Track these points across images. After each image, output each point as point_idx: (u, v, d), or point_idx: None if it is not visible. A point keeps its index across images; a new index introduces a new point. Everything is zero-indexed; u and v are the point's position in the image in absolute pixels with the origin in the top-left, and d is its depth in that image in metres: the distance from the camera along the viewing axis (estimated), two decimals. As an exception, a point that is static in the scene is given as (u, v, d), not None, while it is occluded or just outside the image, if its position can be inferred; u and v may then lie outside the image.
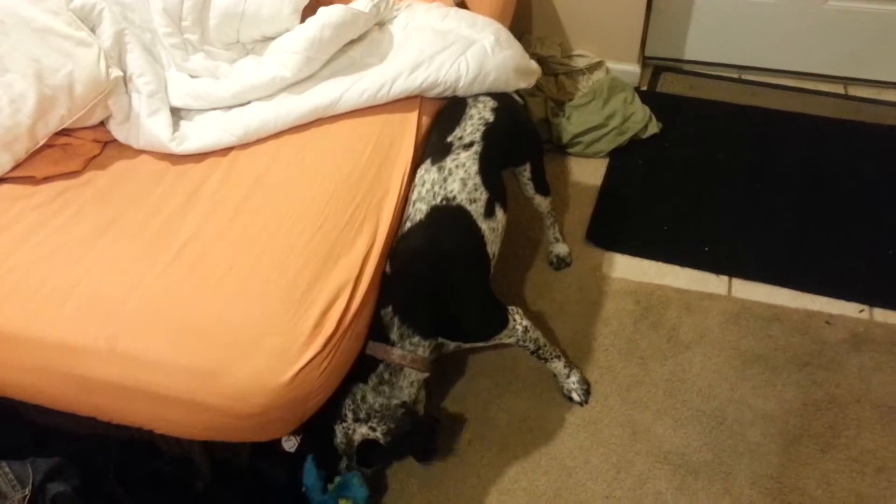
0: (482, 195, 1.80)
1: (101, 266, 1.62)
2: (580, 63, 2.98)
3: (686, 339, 2.17)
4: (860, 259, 2.27)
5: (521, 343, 1.91)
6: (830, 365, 2.06)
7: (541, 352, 1.97)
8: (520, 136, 2.02)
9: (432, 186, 1.77)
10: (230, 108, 1.92)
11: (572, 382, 2.05)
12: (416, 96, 1.94)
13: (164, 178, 1.83)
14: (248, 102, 1.92)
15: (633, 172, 2.68)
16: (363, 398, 1.66)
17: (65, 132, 1.87)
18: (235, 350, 1.49)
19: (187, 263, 1.61)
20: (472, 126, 1.86)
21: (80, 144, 1.87)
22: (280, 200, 1.72)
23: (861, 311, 2.18)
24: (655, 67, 3.11)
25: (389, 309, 1.65)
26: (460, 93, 1.94)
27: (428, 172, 1.80)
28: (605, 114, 2.75)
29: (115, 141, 1.95)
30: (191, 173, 1.84)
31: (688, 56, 3.06)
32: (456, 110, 1.92)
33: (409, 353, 1.63)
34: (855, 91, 2.87)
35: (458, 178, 1.77)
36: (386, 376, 1.65)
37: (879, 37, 2.71)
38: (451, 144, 1.83)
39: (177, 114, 1.95)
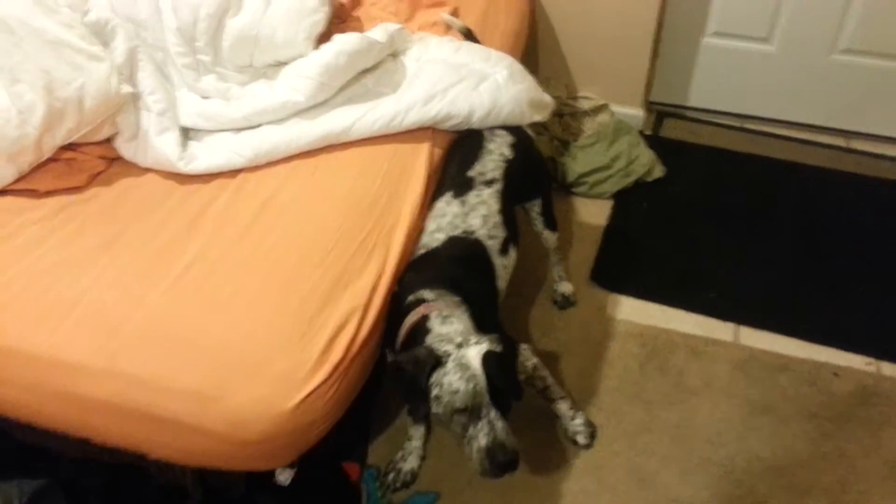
0: (501, 233, 1.85)
1: (104, 282, 1.61)
2: (585, 105, 3.05)
3: (693, 386, 2.17)
4: (865, 311, 2.32)
5: (530, 381, 1.89)
6: (839, 418, 2.06)
7: (548, 391, 1.96)
8: (534, 171, 2.07)
9: (453, 219, 1.80)
10: (240, 130, 1.92)
11: (577, 425, 2.03)
12: (428, 128, 1.97)
13: (171, 197, 1.83)
14: (259, 125, 1.91)
15: (638, 214, 2.72)
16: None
17: (70, 147, 1.87)
18: (239, 374, 1.47)
19: (193, 282, 1.60)
20: (493, 163, 1.90)
21: (85, 160, 1.87)
22: (290, 223, 1.73)
23: (868, 363, 2.20)
24: (659, 113, 3.19)
25: None
26: (474, 125, 1.98)
27: (449, 205, 1.83)
28: (610, 155, 2.80)
29: (120, 158, 1.96)
30: (198, 193, 1.84)
31: (691, 103, 3.14)
32: (473, 143, 1.96)
33: None
34: (856, 144, 2.96)
35: (479, 214, 1.81)
36: None
37: (883, 91, 2.82)
38: (472, 179, 1.87)
39: (185, 133, 1.96)
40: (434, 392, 1.49)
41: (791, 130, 3.03)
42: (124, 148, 1.91)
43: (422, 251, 1.80)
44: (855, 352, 2.22)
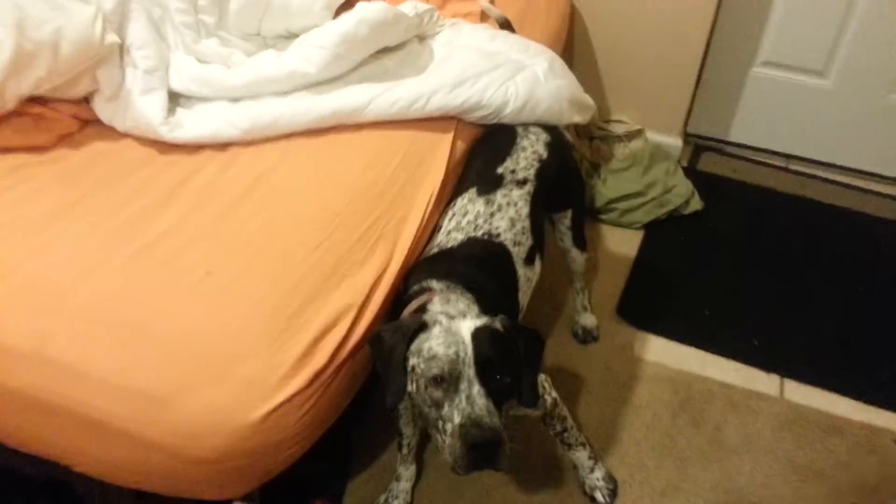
0: (527, 241, 1.60)
1: (52, 250, 1.34)
2: (618, 129, 2.80)
3: (732, 443, 1.86)
4: None
5: (547, 419, 1.59)
6: None
7: (566, 434, 1.65)
8: (569, 178, 1.80)
9: (475, 219, 1.54)
10: (238, 100, 1.65)
11: (597, 479, 1.72)
12: (452, 118, 1.70)
13: (148, 166, 1.57)
14: (260, 97, 1.64)
15: (672, 248, 2.44)
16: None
17: (40, 101, 1.62)
18: (196, 373, 1.18)
19: (157, 260, 1.32)
20: (526, 161, 1.63)
21: (55, 118, 1.62)
22: (282, 204, 1.46)
23: None
24: (696, 146, 2.92)
25: None
26: (506, 120, 1.72)
27: (472, 203, 1.56)
28: (644, 182, 2.54)
29: (96, 122, 1.67)
30: (180, 164, 1.58)
31: (733, 137, 2.90)
32: (504, 138, 1.70)
33: None
34: (913, 195, 2.66)
35: (507, 216, 1.54)
36: None
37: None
38: (501, 177, 1.61)
39: (175, 100, 1.71)
40: (411, 362, 1.23)
41: (842, 175, 2.77)
42: (102, 109, 1.65)
43: (435, 251, 1.52)
44: None
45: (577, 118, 1.82)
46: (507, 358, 1.23)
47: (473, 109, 1.70)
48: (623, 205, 2.54)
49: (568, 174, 1.82)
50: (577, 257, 1.97)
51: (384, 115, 1.65)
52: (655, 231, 2.52)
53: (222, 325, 1.24)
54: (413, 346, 1.23)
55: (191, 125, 1.61)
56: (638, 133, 2.80)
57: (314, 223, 1.42)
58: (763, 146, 2.88)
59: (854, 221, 2.58)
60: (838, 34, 2.52)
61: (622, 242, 2.49)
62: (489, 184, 1.62)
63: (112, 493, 1.29)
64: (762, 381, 2.05)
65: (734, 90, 2.78)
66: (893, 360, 2.07)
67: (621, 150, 2.77)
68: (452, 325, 1.23)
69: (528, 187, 1.63)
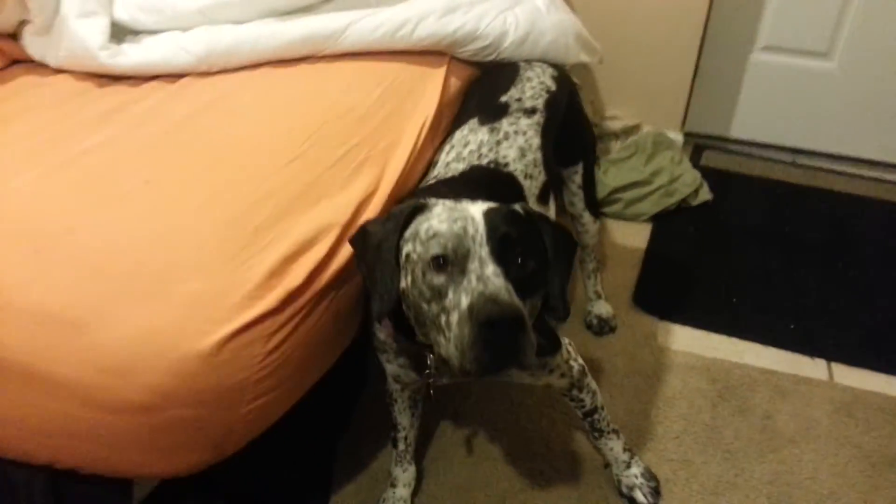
0: (540, 175, 1.37)
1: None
2: (614, 125, 2.61)
3: (787, 432, 1.59)
4: None
5: (575, 391, 1.31)
6: None
7: (597, 417, 1.37)
8: (578, 122, 1.59)
9: (478, 147, 1.31)
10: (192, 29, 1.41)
11: (635, 476, 1.43)
12: (444, 54, 1.47)
13: (84, 95, 1.31)
14: (219, 24, 1.41)
15: (684, 239, 2.22)
16: None
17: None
18: (124, 291, 0.90)
19: (85, 170, 1.07)
20: (533, 90, 1.43)
21: (-28, 50, 1.35)
22: (243, 122, 1.23)
23: None
24: (696, 145, 2.74)
25: None
26: (506, 54, 1.52)
27: (474, 133, 1.34)
28: (649, 170, 2.34)
29: (28, 61, 1.41)
30: (122, 93, 1.30)
31: (734, 134, 2.74)
32: (506, 71, 1.52)
33: None
34: (932, 183, 2.49)
35: (516, 145, 1.31)
36: None
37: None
38: (506, 105, 1.41)
39: (119, 37, 1.44)
40: (405, 250, 0.97)
41: (853, 167, 2.59)
42: (32, 43, 1.41)
43: (432, 182, 1.26)
44: None
45: (585, 56, 1.62)
46: (529, 242, 0.96)
47: (468, 40, 1.48)
48: (628, 195, 2.32)
49: (578, 118, 1.61)
50: (590, 225, 1.73)
51: (365, 43, 1.43)
52: (664, 223, 2.31)
53: (162, 235, 0.96)
54: (408, 233, 0.97)
55: (136, 52, 1.36)
56: (635, 129, 2.63)
57: (281, 141, 1.18)
58: (767, 141, 2.72)
59: (876, 208, 2.40)
60: (842, 10, 2.41)
61: (630, 235, 2.27)
62: (493, 112, 1.39)
63: (16, 479, 0.95)
64: (807, 366, 1.80)
65: (734, 80, 2.63)
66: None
67: (617, 148, 2.57)
68: (459, 205, 0.97)
69: (538, 117, 1.40)
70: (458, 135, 1.38)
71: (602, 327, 1.87)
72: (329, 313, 1.03)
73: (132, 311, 0.88)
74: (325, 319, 1.02)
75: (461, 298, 0.92)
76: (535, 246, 1.00)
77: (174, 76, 1.37)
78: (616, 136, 2.61)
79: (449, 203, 0.99)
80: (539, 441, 1.59)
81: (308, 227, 1.03)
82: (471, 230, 0.94)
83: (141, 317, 0.88)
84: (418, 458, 1.51)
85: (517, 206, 1.03)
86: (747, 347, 1.86)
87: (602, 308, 1.89)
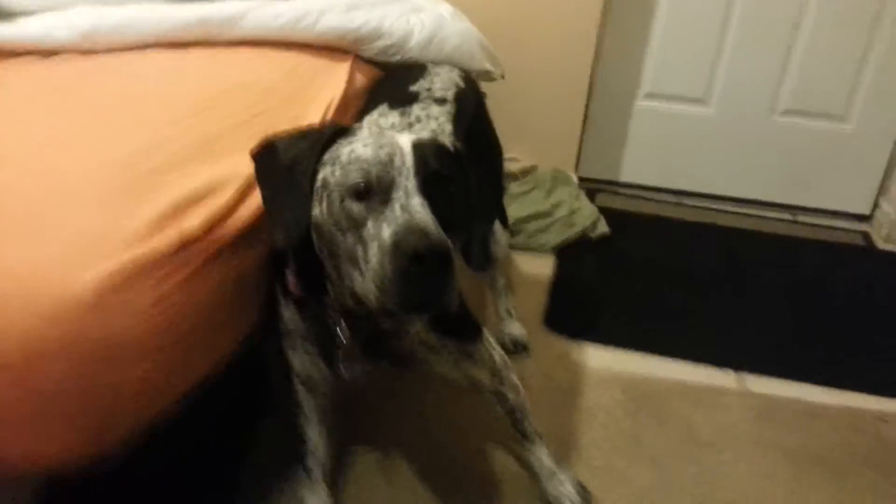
0: None
1: None
2: (513, 166, 2.66)
3: (708, 437, 1.58)
4: (879, 357, 1.93)
5: (498, 383, 1.23)
6: None
7: (519, 417, 1.32)
8: (486, 127, 1.58)
9: (390, 129, 1.21)
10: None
11: (560, 482, 1.34)
12: (348, 53, 1.44)
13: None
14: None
15: (588, 268, 2.27)
16: None
17: None
18: None
19: None
20: (442, 83, 1.42)
21: None
22: (133, 84, 1.10)
23: None
24: (588, 189, 2.83)
25: None
26: (412, 54, 1.52)
27: (384, 116, 1.30)
28: (549, 202, 2.38)
29: None
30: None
31: (624, 178, 2.87)
32: (414, 69, 1.49)
33: None
34: (804, 219, 2.67)
35: (428, 128, 1.30)
36: None
37: (826, 158, 2.67)
38: (417, 94, 1.40)
39: None
40: (322, 173, 0.89)
41: (734, 206, 2.75)
42: None
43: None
44: (892, 397, 1.77)
45: (489, 65, 1.64)
46: (458, 182, 0.90)
47: (373, 37, 1.47)
48: (531, 226, 2.34)
49: (485, 121, 1.61)
50: (500, 234, 1.70)
51: (265, 31, 1.38)
52: (567, 254, 2.35)
53: (38, 172, 0.82)
54: (326, 156, 0.88)
55: (12, 26, 1.23)
56: (532, 170, 2.68)
57: (179, 100, 1.07)
58: (655, 184, 2.85)
59: (759, 238, 2.56)
60: (715, 60, 2.61)
61: (535, 266, 2.28)
62: (403, 99, 1.36)
63: None
64: (719, 377, 1.83)
65: (621, 125, 2.77)
66: (843, 349, 1.97)
67: (516, 189, 2.61)
68: (386, 132, 0.89)
69: (449, 107, 1.38)
70: (367, 119, 1.33)
71: (516, 347, 1.82)
72: (229, 273, 0.91)
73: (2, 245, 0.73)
74: (225, 279, 0.90)
75: (382, 228, 0.84)
76: (462, 186, 0.94)
77: (51, 52, 1.24)
78: (515, 176, 2.65)
79: (375, 129, 0.92)
80: (461, 463, 1.49)
81: (209, 176, 0.93)
82: (398, 161, 0.87)
83: (7, 253, 0.73)
84: (333, 486, 1.35)
85: (447, 142, 0.97)
86: (658, 362, 1.86)
87: (515, 328, 1.85)
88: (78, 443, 0.78)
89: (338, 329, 1.00)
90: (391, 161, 0.87)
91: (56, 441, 0.76)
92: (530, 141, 2.69)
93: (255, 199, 0.97)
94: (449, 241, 0.84)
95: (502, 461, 1.48)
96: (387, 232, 0.82)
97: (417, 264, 0.80)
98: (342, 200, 0.86)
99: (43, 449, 0.77)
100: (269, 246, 1.01)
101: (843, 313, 2.11)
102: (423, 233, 0.81)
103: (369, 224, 0.85)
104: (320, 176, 0.90)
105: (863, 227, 2.68)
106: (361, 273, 0.85)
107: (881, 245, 2.56)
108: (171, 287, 0.81)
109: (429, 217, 0.84)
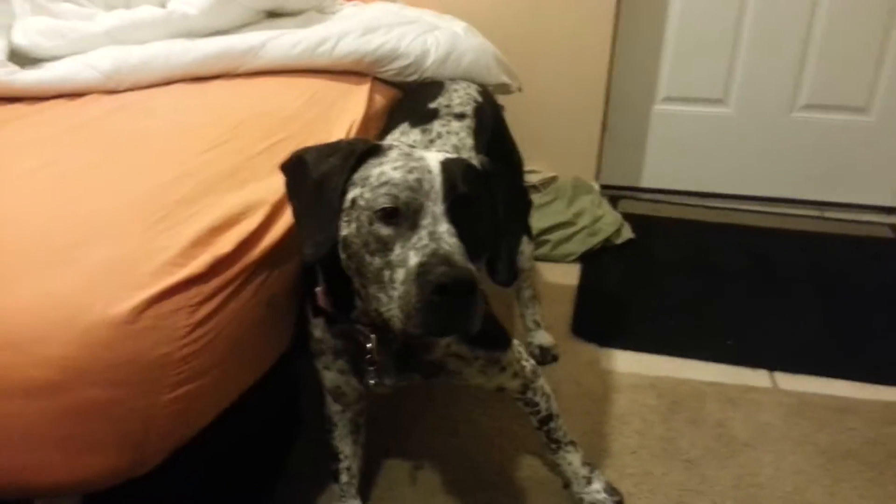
0: None
1: None
2: (533, 178, 2.68)
3: (742, 437, 1.57)
4: None
5: (529, 393, 1.26)
6: None
7: (553, 425, 1.32)
8: (506, 139, 1.62)
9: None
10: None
11: (597, 491, 1.36)
12: (366, 75, 1.48)
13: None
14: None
15: (613, 273, 2.28)
16: None
17: None
18: (26, 259, 0.81)
19: None
20: (461, 99, 1.45)
21: None
22: (155, 120, 1.15)
23: None
24: (611, 196, 2.83)
25: None
26: (429, 73, 1.55)
27: (405, 135, 1.34)
28: (571, 212, 2.41)
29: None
30: (20, 108, 1.21)
31: (645, 184, 2.86)
32: (432, 86, 1.53)
33: None
34: (831, 214, 2.64)
35: (450, 143, 1.32)
36: None
37: (849, 152, 2.61)
38: (436, 111, 1.43)
39: (19, 64, 1.36)
40: (352, 193, 0.91)
41: (759, 205, 2.73)
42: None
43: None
44: None
45: (506, 78, 1.66)
46: (484, 202, 0.92)
47: (391, 58, 1.50)
48: (554, 236, 2.35)
49: (504, 133, 1.63)
50: (524, 246, 1.71)
51: (284, 60, 1.42)
52: (592, 261, 2.35)
53: (68, 206, 0.87)
54: (357, 175, 0.90)
55: (36, 71, 1.28)
56: (553, 180, 2.69)
57: (200, 133, 1.12)
58: (677, 188, 2.84)
59: (787, 236, 2.54)
60: (731, 59, 2.62)
61: (561, 275, 2.28)
62: (423, 116, 1.39)
63: None
64: (751, 377, 1.82)
65: (640, 131, 2.77)
66: (873, 342, 1.94)
67: (538, 200, 2.62)
68: (416, 152, 0.92)
69: (468, 122, 1.41)
70: (389, 138, 1.36)
71: (545, 356, 1.83)
72: (262, 294, 0.94)
73: (34, 279, 0.77)
74: (258, 301, 0.93)
75: (409, 255, 0.86)
76: (489, 206, 0.96)
77: (78, 95, 1.29)
78: (536, 187, 2.67)
79: (405, 149, 0.95)
80: (490, 470, 1.49)
81: (236, 203, 0.96)
82: (426, 184, 0.90)
83: (44, 284, 0.77)
84: (363, 497, 1.37)
85: (475, 161, 1.00)
86: (689, 364, 1.86)
87: (543, 338, 1.86)
88: (114, 464, 0.81)
89: (368, 344, 1.02)
90: (420, 185, 0.89)
91: (92, 463, 0.80)
92: (550, 152, 2.71)
93: (285, 220, 1.00)
94: (474, 270, 0.86)
95: (534, 469, 1.48)
96: (413, 260, 0.85)
97: (442, 295, 0.82)
98: (371, 223, 0.89)
99: (80, 470, 0.80)
100: (299, 265, 1.04)
101: (873, 307, 2.09)
102: (449, 263, 0.83)
103: (397, 248, 0.87)
104: (350, 196, 0.92)
105: (891, 219, 2.64)
106: (388, 295, 0.87)
107: (911, 237, 2.52)
108: (205, 311, 0.84)
109: (456, 245, 0.86)
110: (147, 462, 0.84)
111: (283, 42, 1.42)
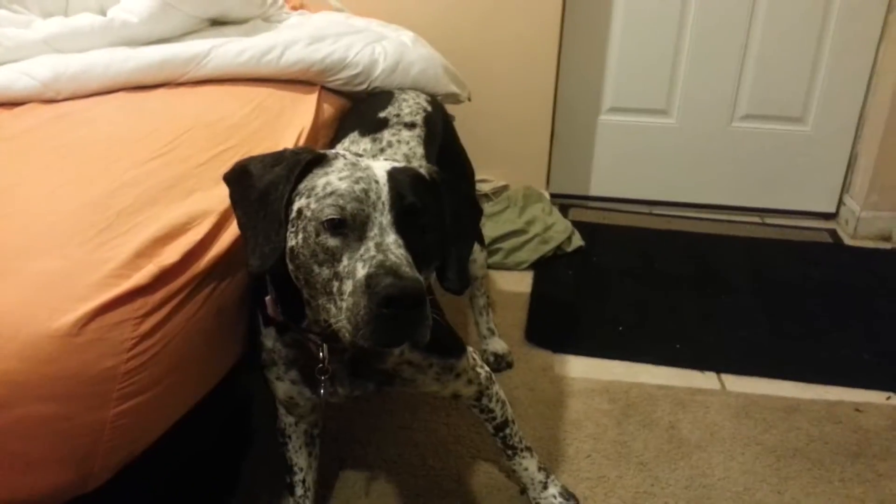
0: None
1: None
2: (484, 187, 2.70)
3: (693, 439, 1.60)
4: (851, 349, 1.98)
5: (484, 399, 1.26)
6: (888, 454, 1.54)
7: (509, 431, 1.32)
8: (455, 148, 1.62)
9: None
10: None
11: (553, 496, 1.38)
12: (314, 85, 1.47)
13: None
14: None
15: (565, 281, 2.30)
16: None
17: None
18: None
19: None
20: (410, 108, 1.45)
21: None
22: (95, 129, 1.12)
23: (888, 397, 1.76)
24: (561, 205, 2.88)
25: None
26: (377, 83, 1.55)
27: (355, 143, 1.33)
28: (523, 220, 2.43)
29: None
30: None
31: (594, 192, 2.92)
32: (381, 96, 1.54)
33: None
34: (773, 221, 2.74)
35: (400, 152, 1.32)
36: None
37: (788, 160, 2.72)
38: (386, 120, 1.43)
39: None
40: (297, 204, 0.90)
41: (703, 212, 2.81)
42: None
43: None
44: (867, 388, 1.84)
45: (455, 88, 1.67)
46: (432, 212, 0.92)
47: (338, 67, 1.50)
48: (507, 244, 2.37)
49: (454, 143, 1.64)
50: (477, 253, 1.72)
51: (229, 68, 1.40)
52: (544, 269, 2.38)
53: (3, 218, 0.83)
54: (302, 185, 0.90)
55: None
56: (503, 189, 2.72)
57: (143, 142, 1.10)
58: (625, 196, 2.90)
59: (730, 242, 2.60)
60: (673, 72, 2.69)
61: (514, 283, 2.30)
62: (373, 126, 1.39)
63: None
64: (699, 379, 1.86)
65: (587, 140, 2.83)
66: (818, 343, 2.01)
67: (489, 209, 2.64)
68: (362, 162, 0.91)
69: (418, 131, 1.41)
70: (339, 147, 1.35)
71: (499, 363, 1.84)
72: (210, 306, 0.92)
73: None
74: (206, 312, 0.91)
75: (356, 267, 0.86)
76: (437, 214, 0.97)
77: (13, 105, 1.25)
78: (487, 196, 2.69)
79: (351, 158, 0.94)
80: (449, 479, 1.49)
81: (181, 213, 0.94)
82: (373, 195, 0.89)
83: (-22, 296, 0.74)
84: (323, 499, 1.35)
85: (423, 170, 1.00)
86: (640, 369, 1.89)
87: (497, 345, 1.87)
88: (59, 481, 0.78)
89: (319, 353, 1.01)
90: (367, 196, 0.89)
91: (37, 480, 0.77)
92: (500, 161, 2.74)
93: (232, 231, 0.98)
94: (422, 281, 0.86)
95: (491, 475, 1.49)
96: (361, 272, 0.84)
97: (390, 307, 0.82)
98: (318, 234, 0.88)
99: (24, 488, 0.77)
100: (248, 275, 1.02)
101: (815, 309, 2.16)
102: (396, 275, 0.83)
103: (345, 260, 0.87)
104: (296, 206, 0.91)
105: (830, 224, 2.75)
106: (336, 307, 0.87)
107: (848, 241, 2.63)
108: (151, 323, 0.82)
109: (403, 256, 0.86)
110: (94, 479, 0.82)
111: (228, 50, 1.40)
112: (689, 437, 1.63)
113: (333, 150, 0.99)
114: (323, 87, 1.53)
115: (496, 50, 2.53)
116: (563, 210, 2.84)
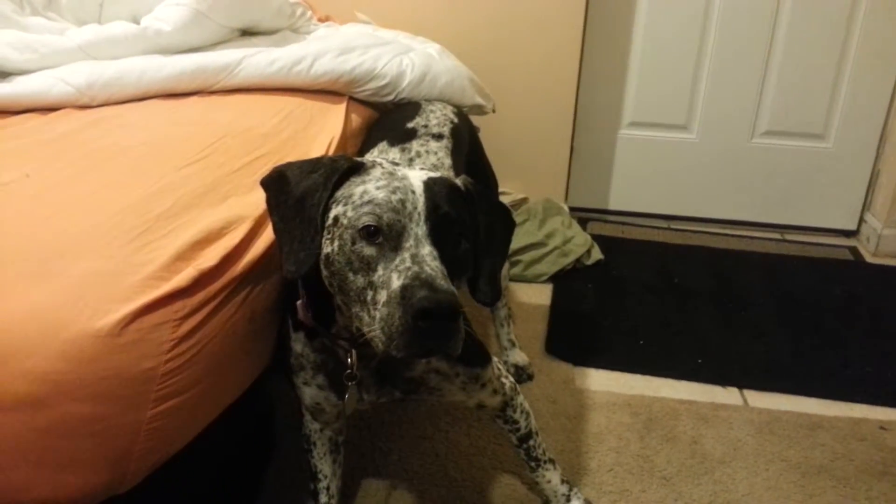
0: None
1: None
2: (504, 200, 2.69)
3: (716, 454, 1.59)
4: (873, 367, 1.96)
5: (509, 411, 1.26)
6: None
7: (532, 443, 1.32)
8: (481, 159, 1.63)
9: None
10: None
11: None
12: (343, 95, 1.49)
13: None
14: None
15: (585, 294, 2.29)
16: None
17: None
18: (5, 271, 0.75)
19: None
20: (437, 119, 1.47)
21: None
22: (132, 134, 1.13)
23: None
24: (580, 218, 2.88)
25: None
26: (405, 94, 1.56)
27: (384, 153, 1.35)
28: (543, 233, 2.43)
29: None
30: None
31: (613, 206, 2.91)
32: (408, 107, 1.55)
33: None
34: (793, 237, 2.72)
35: (429, 162, 1.33)
36: None
37: (807, 176, 2.69)
38: (414, 130, 1.45)
39: None
40: (334, 211, 0.91)
41: (722, 228, 2.80)
42: None
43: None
44: (891, 406, 1.84)
45: (480, 99, 1.68)
46: (466, 222, 0.93)
47: (367, 78, 1.51)
48: (526, 256, 2.37)
49: (480, 154, 1.65)
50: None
51: (261, 77, 1.42)
52: (563, 282, 2.38)
53: (48, 218, 0.85)
54: (340, 192, 0.91)
55: (7, 85, 1.26)
56: (523, 202, 2.73)
57: (178, 149, 1.11)
58: (643, 210, 2.89)
59: (750, 258, 2.58)
60: (693, 87, 2.70)
61: (533, 295, 2.30)
62: (402, 136, 1.40)
63: None
64: (721, 395, 1.84)
65: (607, 154, 2.83)
66: (840, 360, 1.99)
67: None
68: (399, 171, 0.92)
69: (446, 142, 1.42)
70: (368, 157, 1.36)
71: (520, 375, 1.84)
72: (245, 309, 0.93)
73: (15, 292, 0.76)
74: (241, 316, 0.92)
75: (391, 277, 0.86)
76: (471, 226, 0.97)
77: (48, 110, 1.27)
78: (506, 209, 2.68)
79: (388, 166, 0.95)
80: (470, 490, 1.49)
81: (217, 218, 0.95)
82: (409, 205, 0.90)
83: (26, 297, 0.75)
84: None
85: (458, 181, 1.01)
86: (662, 383, 1.88)
87: (518, 357, 1.87)
88: (93, 482, 0.79)
89: (348, 359, 1.01)
90: (403, 206, 0.90)
91: (75, 478, 0.77)
92: (520, 174, 2.75)
93: (268, 236, 0.99)
94: (457, 293, 0.87)
95: (513, 488, 1.48)
96: (396, 283, 0.85)
97: (425, 320, 0.83)
98: (354, 242, 0.89)
99: (59, 488, 0.77)
100: (280, 281, 1.03)
101: (836, 326, 2.15)
102: (432, 287, 0.83)
103: (380, 269, 0.87)
104: (332, 213, 0.92)
105: (850, 242, 2.73)
106: (370, 316, 0.87)
107: (869, 259, 2.61)
108: (190, 325, 0.82)
109: (438, 269, 0.86)
110: (126, 481, 0.82)
111: (259, 60, 1.42)
112: (712, 453, 1.62)
113: (371, 159, 1.00)
114: (351, 98, 1.55)
115: (518, 63, 2.55)
116: (582, 223, 2.84)
